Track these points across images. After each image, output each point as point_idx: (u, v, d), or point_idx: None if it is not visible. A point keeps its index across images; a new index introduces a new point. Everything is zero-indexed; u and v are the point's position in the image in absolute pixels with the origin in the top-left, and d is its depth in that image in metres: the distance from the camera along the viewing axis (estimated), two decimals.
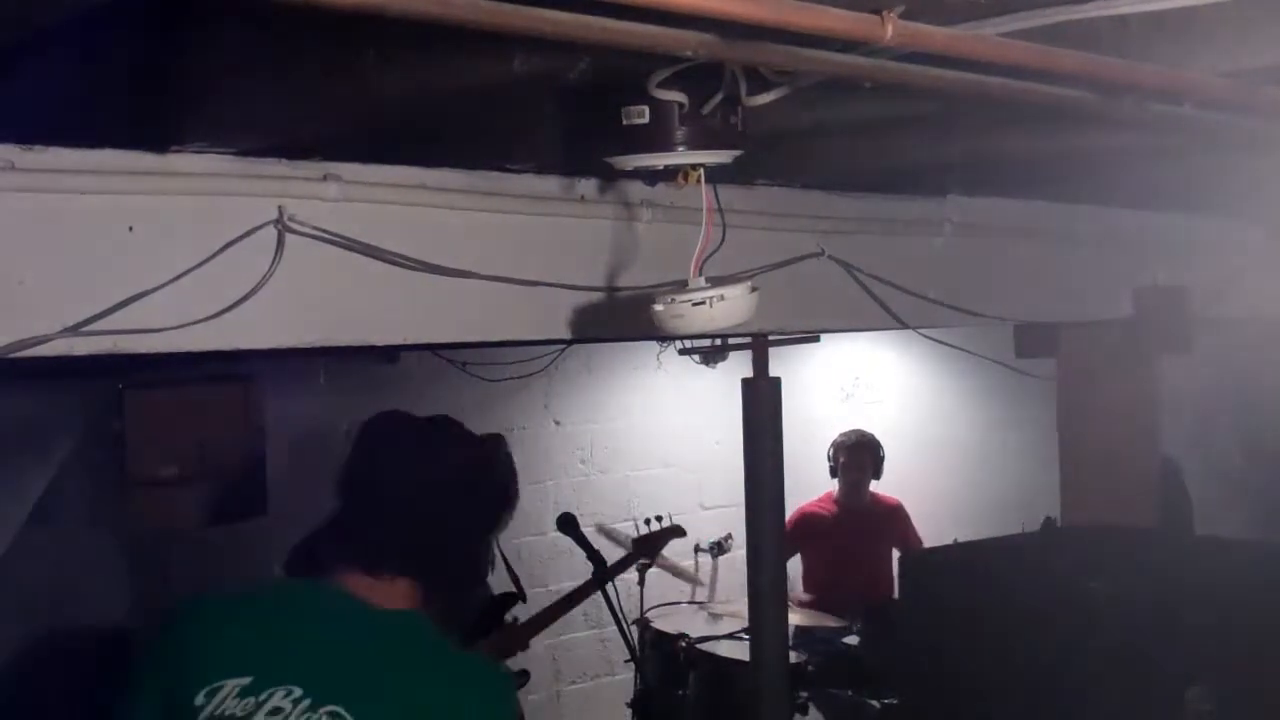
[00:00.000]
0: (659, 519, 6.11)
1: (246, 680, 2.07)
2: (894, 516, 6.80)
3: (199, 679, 2.10)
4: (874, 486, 6.89)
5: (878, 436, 6.92)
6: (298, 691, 2.05)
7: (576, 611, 5.67)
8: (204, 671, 2.10)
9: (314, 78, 2.25)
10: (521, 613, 5.34)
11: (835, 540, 6.70)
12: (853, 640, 5.74)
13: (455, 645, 2.29)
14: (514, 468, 2.54)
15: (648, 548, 6.00)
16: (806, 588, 6.82)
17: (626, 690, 5.76)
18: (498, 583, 5.42)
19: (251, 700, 2.06)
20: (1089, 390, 5.11)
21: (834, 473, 6.84)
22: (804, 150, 3.24)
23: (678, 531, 5.94)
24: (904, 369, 7.72)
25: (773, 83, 2.25)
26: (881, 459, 6.82)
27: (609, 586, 5.28)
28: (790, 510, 5.86)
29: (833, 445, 6.86)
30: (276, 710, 2.05)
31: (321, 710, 2.05)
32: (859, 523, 6.73)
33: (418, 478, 2.34)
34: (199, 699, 2.07)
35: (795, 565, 6.62)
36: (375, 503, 2.31)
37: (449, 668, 2.20)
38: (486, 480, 2.42)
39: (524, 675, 5.33)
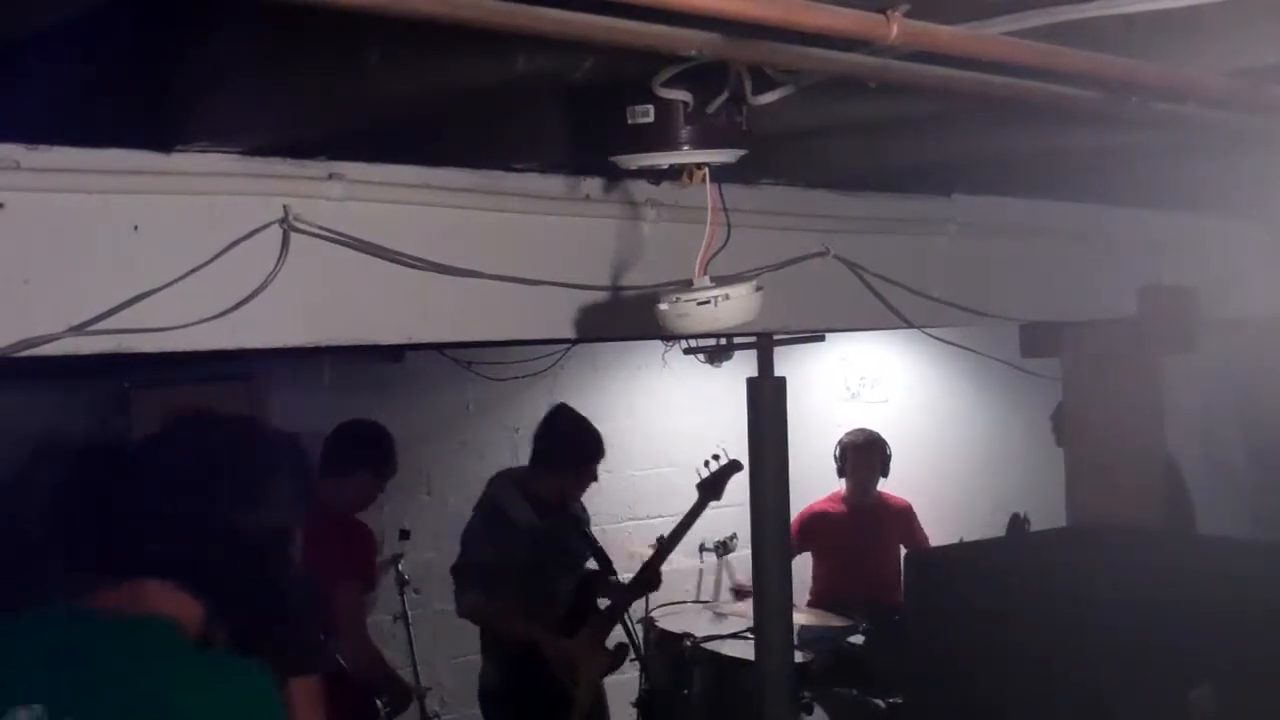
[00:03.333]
0: (715, 458, 6.10)
1: None
2: (902, 516, 6.80)
3: None
4: (881, 485, 6.89)
5: (883, 436, 6.92)
6: (38, 709, 2.01)
7: None
8: None
9: (318, 77, 2.26)
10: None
11: (844, 539, 6.70)
12: (858, 640, 5.73)
13: (213, 647, 2.16)
14: (261, 447, 2.37)
15: (713, 489, 6.01)
16: (815, 587, 6.81)
17: (631, 689, 5.76)
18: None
19: None
20: (1094, 390, 5.10)
21: (841, 472, 6.84)
22: (809, 149, 3.24)
23: (737, 466, 5.94)
24: (909, 368, 7.72)
25: (777, 82, 2.25)
26: (889, 458, 6.82)
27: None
28: (797, 509, 5.88)
29: (840, 445, 6.86)
30: None
31: None
32: (867, 522, 6.73)
33: (135, 475, 2.24)
34: None
35: (803, 565, 6.62)
36: (86, 512, 2.23)
37: (192, 668, 2.10)
38: (208, 462, 2.24)
39: (623, 649, 5.45)
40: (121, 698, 2.03)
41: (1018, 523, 5.47)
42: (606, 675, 5.47)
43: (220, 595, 2.18)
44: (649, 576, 5.70)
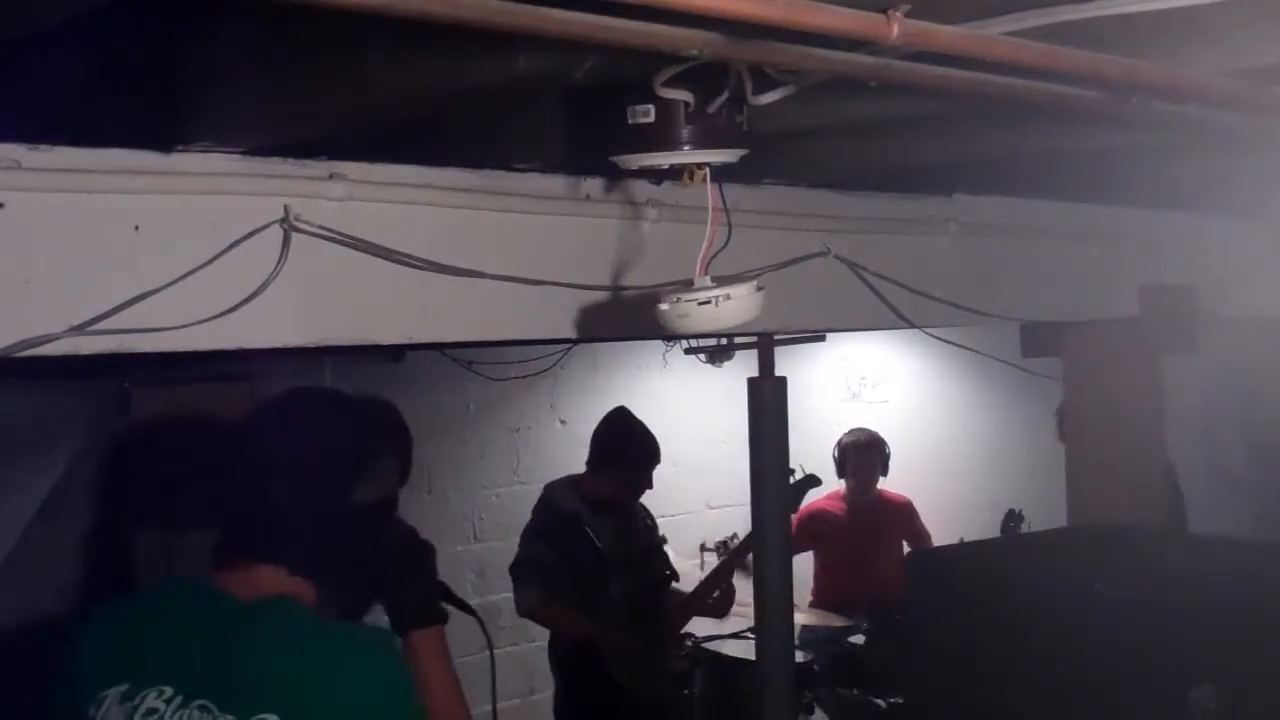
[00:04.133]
0: (791, 472, 6.12)
1: (124, 687, 2.11)
2: (903, 513, 6.80)
3: (89, 692, 2.14)
4: (881, 484, 6.89)
5: (884, 436, 6.92)
6: (169, 690, 2.07)
7: None
8: (92, 684, 2.14)
9: (319, 77, 2.26)
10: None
11: (845, 538, 6.70)
12: (859, 640, 5.74)
13: (330, 620, 2.21)
14: (366, 424, 2.46)
15: (789, 503, 6.02)
16: (817, 586, 6.81)
17: None
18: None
19: (129, 705, 2.09)
20: (1095, 389, 5.10)
21: (841, 473, 6.84)
22: (810, 149, 3.24)
23: (815, 481, 5.93)
24: (910, 368, 7.72)
25: (778, 81, 2.25)
26: (888, 456, 6.82)
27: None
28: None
29: (839, 445, 6.86)
30: (151, 711, 2.07)
31: (192, 705, 2.06)
32: (869, 520, 6.73)
33: (244, 459, 2.32)
34: (90, 711, 2.12)
35: (804, 564, 6.62)
36: (215, 495, 2.31)
37: (320, 643, 2.15)
38: (318, 444, 2.32)
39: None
40: (252, 679, 2.08)
41: (1013, 518, 5.47)
42: (666, 675, 5.44)
43: (330, 572, 2.25)
44: (715, 591, 5.72)
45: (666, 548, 6.49)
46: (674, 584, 5.58)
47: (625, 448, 5.40)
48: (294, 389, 2.49)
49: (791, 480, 5.71)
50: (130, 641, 2.18)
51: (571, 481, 5.42)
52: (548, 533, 5.27)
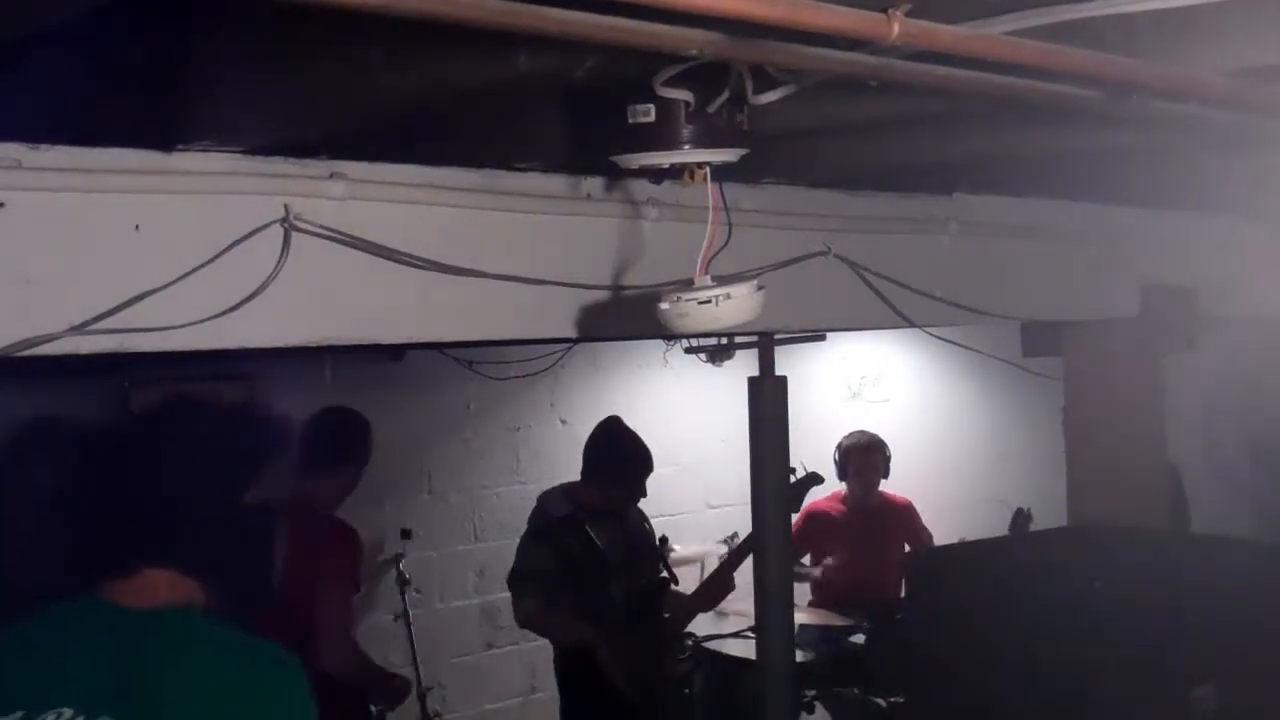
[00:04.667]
0: (793, 470, 6.11)
1: (19, 715, 2.03)
2: (903, 515, 6.78)
3: None
4: (882, 485, 6.87)
5: (884, 435, 6.91)
6: (69, 712, 2.01)
7: None
8: None
9: (320, 76, 2.26)
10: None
11: (845, 539, 6.68)
12: (859, 639, 5.73)
13: (232, 631, 2.17)
14: (252, 425, 2.41)
15: (791, 502, 6.02)
16: (816, 587, 6.80)
17: None
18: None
19: None
20: (1095, 389, 5.10)
21: (842, 475, 6.82)
22: (810, 149, 3.24)
23: (817, 479, 5.92)
24: (910, 368, 7.71)
25: (779, 81, 2.25)
26: (889, 458, 6.81)
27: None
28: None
29: (840, 448, 6.83)
30: None
31: None
32: (868, 522, 6.71)
33: (129, 463, 2.23)
34: None
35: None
36: (97, 503, 2.23)
37: (229, 655, 2.12)
38: (204, 446, 2.25)
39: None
40: (158, 692, 2.04)
41: (1021, 517, 5.47)
42: (664, 681, 5.42)
43: (221, 573, 2.22)
44: (716, 588, 5.70)
45: (674, 545, 6.50)
46: (673, 586, 5.57)
47: (618, 459, 5.39)
48: (183, 396, 2.38)
49: (793, 479, 5.71)
50: (20, 668, 2.10)
51: (565, 491, 5.41)
52: (545, 536, 5.27)
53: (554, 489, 5.48)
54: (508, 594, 5.35)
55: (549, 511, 5.33)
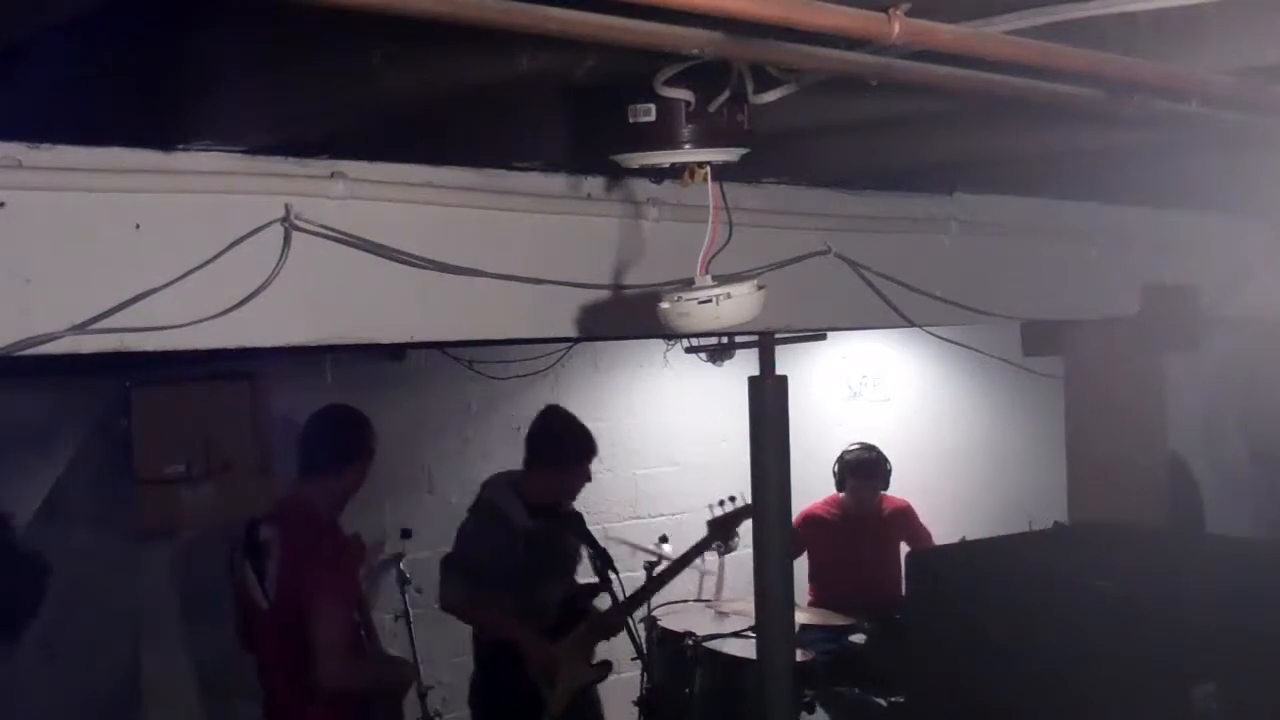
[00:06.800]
0: (731, 499, 6.10)
1: None
2: (901, 517, 6.77)
3: None
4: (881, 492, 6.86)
5: (884, 435, 6.90)
6: None
7: None
8: None
9: (320, 76, 2.26)
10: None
11: (839, 542, 6.68)
12: (859, 639, 5.73)
13: None
14: None
15: (722, 530, 6.02)
16: (812, 588, 6.80)
17: (633, 688, 5.76)
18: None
19: None
20: (1096, 388, 5.10)
21: (840, 488, 6.80)
22: (810, 148, 3.24)
23: (749, 512, 5.92)
24: (911, 367, 7.71)
25: (779, 80, 2.25)
26: (889, 473, 6.77)
27: (616, 584, 5.31)
28: (798, 508, 5.86)
29: (839, 463, 6.79)
30: None
31: None
32: (864, 526, 6.70)
33: None
34: None
35: (803, 564, 6.61)
36: None
37: None
38: None
39: (606, 666, 5.46)
40: None
41: (1060, 528, 5.42)
42: (586, 687, 5.45)
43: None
44: (633, 603, 5.65)
45: (666, 546, 6.50)
46: (603, 593, 5.53)
47: (561, 445, 5.41)
48: None
49: (722, 512, 5.69)
50: None
51: (509, 482, 5.42)
52: (483, 533, 5.29)
53: (499, 478, 5.49)
54: None
55: (491, 504, 5.35)
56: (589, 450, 5.44)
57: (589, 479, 5.52)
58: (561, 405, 5.64)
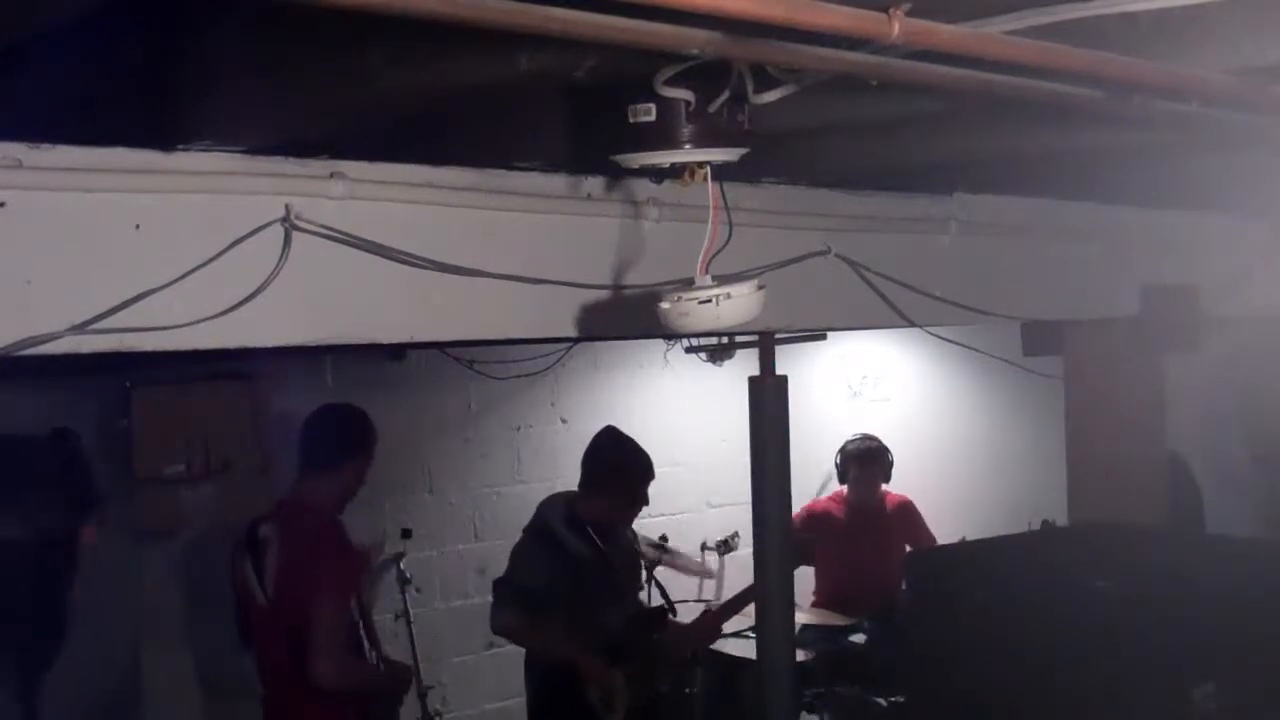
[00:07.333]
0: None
1: None
2: (903, 514, 6.79)
3: None
4: (882, 487, 6.87)
5: (884, 435, 6.91)
6: None
7: None
8: None
9: (321, 76, 2.26)
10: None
11: (844, 539, 6.68)
12: (859, 638, 5.73)
13: None
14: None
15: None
16: (817, 586, 6.80)
17: None
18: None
19: None
20: (1096, 388, 5.10)
21: (843, 480, 6.82)
22: (810, 148, 3.24)
23: (662, 612, 5.84)
24: (911, 367, 7.71)
25: (779, 80, 2.25)
26: (891, 464, 6.79)
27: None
28: (798, 507, 5.87)
29: (841, 454, 6.81)
30: None
31: None
32: (868, 522, 6.72)
33: None
34: None
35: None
36: None
37: None
38: None
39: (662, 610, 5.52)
40: None
41: (1049, 528, 5.43)
42: (647, 709, 5.32)
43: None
44: (709, 629, 5.65)
45: (672, 544, 6.48)
46: (671, 617, 5.51)
47: (618, 465, 5.32)
48: None
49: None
50: None
51: (566, 502, 5.32)
52: (539, 556, 5.16)
53: (555, 497, 5.41)
54: None
55: (548, 528, 5.23)
56: (647, 474, 5.35)
57: (646, 502, 5.43)
58: (616, 426, 5.56)
